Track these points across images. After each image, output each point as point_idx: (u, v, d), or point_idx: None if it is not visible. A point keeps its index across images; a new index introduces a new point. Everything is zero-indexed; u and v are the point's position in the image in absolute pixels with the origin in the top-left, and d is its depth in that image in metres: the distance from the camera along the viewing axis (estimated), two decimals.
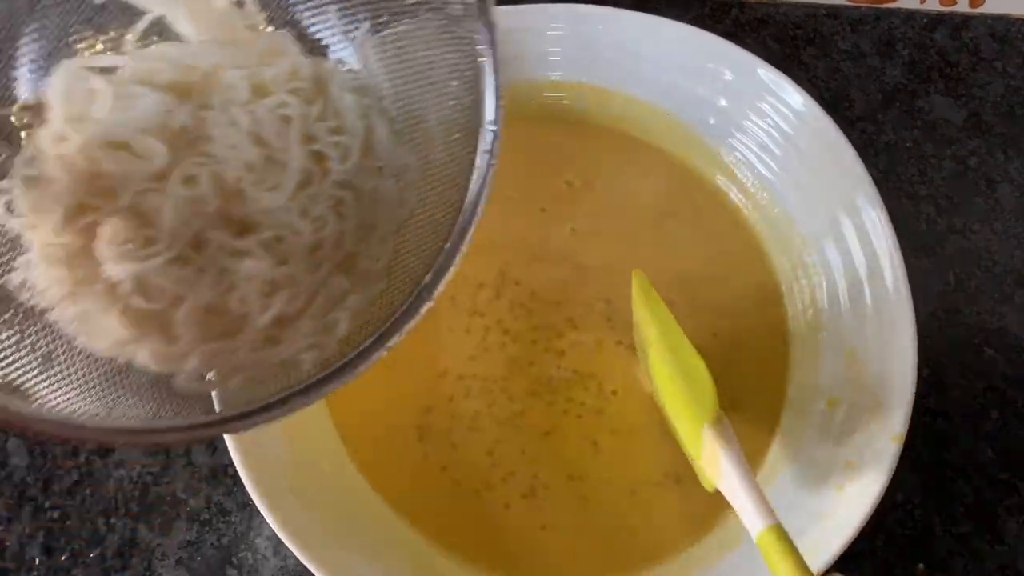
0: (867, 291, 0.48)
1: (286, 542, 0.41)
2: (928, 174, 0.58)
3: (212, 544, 0.47)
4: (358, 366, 0.33)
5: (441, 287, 0.34)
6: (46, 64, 0.34)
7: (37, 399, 0.31)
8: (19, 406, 0.30)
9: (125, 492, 0.49)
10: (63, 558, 0.47)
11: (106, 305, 0.32)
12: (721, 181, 0.54)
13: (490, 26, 0.35)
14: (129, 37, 0.35)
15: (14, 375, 0.31)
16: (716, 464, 0.38)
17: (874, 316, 0.47)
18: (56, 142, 0.32)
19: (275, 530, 0.41)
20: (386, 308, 0.35)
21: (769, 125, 0.53)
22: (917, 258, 0.54)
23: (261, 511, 0.41)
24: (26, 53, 0.34)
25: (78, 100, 0.33)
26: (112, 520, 0.48)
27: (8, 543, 0.47)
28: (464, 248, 0.35)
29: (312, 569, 0.40)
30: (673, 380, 0.41)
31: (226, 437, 0.43)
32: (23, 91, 0.34)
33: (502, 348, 0.49)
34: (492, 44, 0.35)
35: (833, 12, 0.64)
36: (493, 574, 0.45)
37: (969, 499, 0.49)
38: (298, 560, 0.41)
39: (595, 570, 0.45)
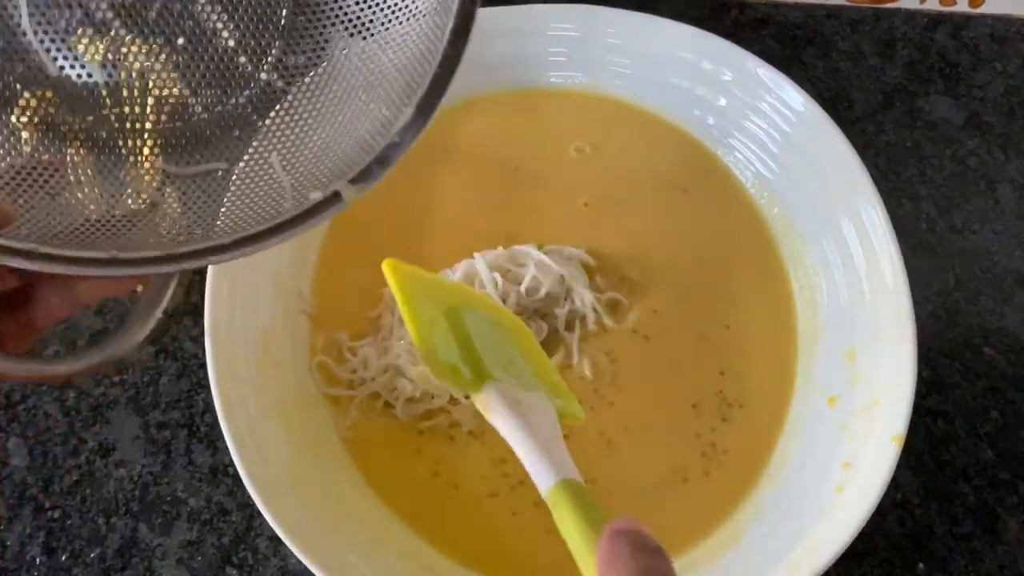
0: (867, 291, 0.48)
1: (286, 542, 0.41)
2: (928, 174, 0.58)
3: (212, 544, 0.47)
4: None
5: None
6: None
7: None
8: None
9: (125, 492, 0.49)
10: (63, 558, 0.47)
11: None
12: (722, 176, 0.55)
13: None
14: None
15: None
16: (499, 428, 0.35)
17: (874, 316, 0.47)
18: None
19: (275, 530, 0.41)
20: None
21: (769, 125, 0.53)
22: (917, 258, 0.54)
23: (261, 511, 0.41)
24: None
25: None
26: (112, 520, 0.48)
27: (8, 543, 0.47)
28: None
29: (312, 569, 0.40)
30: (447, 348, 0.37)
31: (227, 437, 0.43)
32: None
33: None
34: None
35: (833, 12, 0.64)
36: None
37: (969, 499, 0.49)
38: (298, 560, 0.41)
39: None
